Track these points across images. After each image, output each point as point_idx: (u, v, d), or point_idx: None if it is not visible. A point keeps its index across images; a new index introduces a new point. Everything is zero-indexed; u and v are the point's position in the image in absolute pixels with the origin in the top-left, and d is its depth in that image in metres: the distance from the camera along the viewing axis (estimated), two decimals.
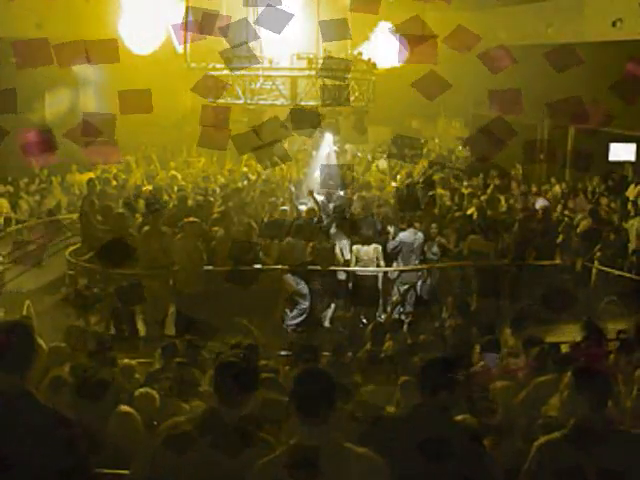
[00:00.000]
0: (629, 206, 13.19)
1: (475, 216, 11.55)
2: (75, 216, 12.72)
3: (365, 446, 2.96)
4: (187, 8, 11.06)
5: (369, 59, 11.87)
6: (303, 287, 10.18)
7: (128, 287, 7.95)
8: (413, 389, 3.96)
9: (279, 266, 10.16)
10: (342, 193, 13.73)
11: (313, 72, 11.01)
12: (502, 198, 13.56)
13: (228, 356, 3.38)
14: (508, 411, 5.25)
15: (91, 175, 14.83)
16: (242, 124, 11.59)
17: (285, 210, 11.70)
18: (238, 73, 11.23)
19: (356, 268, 10.33)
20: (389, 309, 10.52)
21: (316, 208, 11.73)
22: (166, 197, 12.80)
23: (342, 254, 10.46)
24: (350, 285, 10.49)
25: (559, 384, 3.50)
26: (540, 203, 13.40)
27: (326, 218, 11.77)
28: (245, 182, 14.63)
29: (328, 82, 11.23)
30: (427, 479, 3.26)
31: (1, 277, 10.97)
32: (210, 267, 10.07)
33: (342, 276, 10.53)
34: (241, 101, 11.24)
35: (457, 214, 11.84)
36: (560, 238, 11.16)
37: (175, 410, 5.06)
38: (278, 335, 9.70)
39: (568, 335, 7.95)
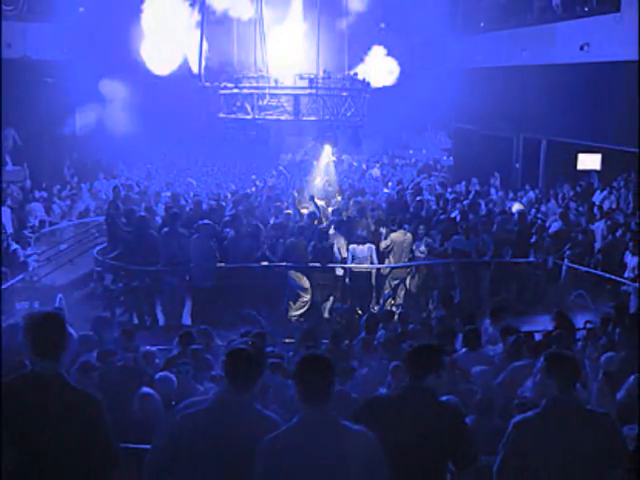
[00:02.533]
0: (595, 210, 13.20)
1: (458, 219, 11.54)
2: (102, 219, 12.71)
3: (360, 424, 2.96)
4: (202, 34, 11.06)
5: (364, 79, 11.86)
6: (305, 282, 10.18)
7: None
8: (402, 373, 3.96)
9: (283, 263, 10.16)
10: (339, 198, 13.74)
11: (314, 90, 10.99)
12: (482, 202, 13.54)
13: (238, 343, 3.39)
14: (487, 392, 5.24)
15: (116, 182, 14.82)
16: (251, 137, 11.62)
17: (289, 213, 11.69)
18: (247, 91, 11.25)
19: (352, 265, 10.32)
20: (382, 301, 10.51)
21: (317, 212, 11.73)
22: (183, 202, 12.78)
23: (340, 252, 10.44)
24: (347, 280, 10.49)
25: (533, 368, 3.50)
26: (516, 207, 13.40)
27: (325, 220, 11.78)
28: (253, 188, 14.61)
29: (327, 99, 11.24)
30: (415, 453, 3.26)
31: (36, 273, 10.96)
32: (222, 264, 10.07)
33: (340, 272, 10.52)
34: (250, 116, 11.24)
35: (442, 217, 11.84)
36: (534, 238, 11.16)
37: (191, 392, 5.07)
38: (283, 325, 9.70)
39: (541, 325, 7.95)
